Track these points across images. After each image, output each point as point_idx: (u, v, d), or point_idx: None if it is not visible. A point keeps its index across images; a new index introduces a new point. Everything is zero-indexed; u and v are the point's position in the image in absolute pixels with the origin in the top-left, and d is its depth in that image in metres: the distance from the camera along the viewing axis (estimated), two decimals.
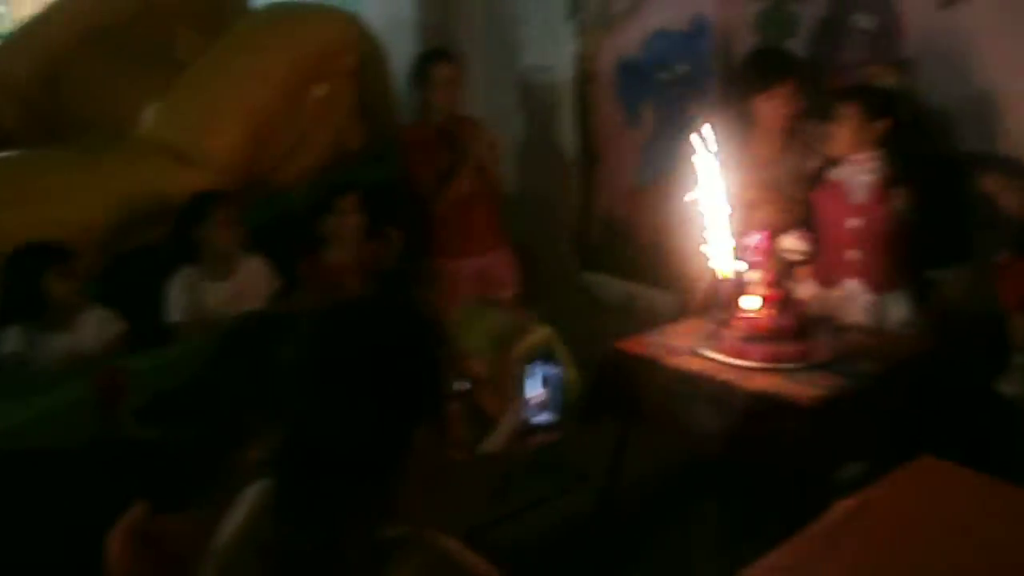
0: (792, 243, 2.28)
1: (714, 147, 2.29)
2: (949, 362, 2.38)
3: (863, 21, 2.84)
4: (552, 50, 4.00)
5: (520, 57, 4.20)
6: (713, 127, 2.32)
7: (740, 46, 3.19)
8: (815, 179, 2.64)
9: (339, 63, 3.63)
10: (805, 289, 2.60)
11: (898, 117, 2.52)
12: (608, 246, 3.92)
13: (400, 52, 3.80)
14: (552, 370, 1.49)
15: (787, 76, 2.71)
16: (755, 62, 2.83)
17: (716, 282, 2.39)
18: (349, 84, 3.70)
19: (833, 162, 2.58)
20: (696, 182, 2.37)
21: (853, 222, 2.50)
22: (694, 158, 2.35)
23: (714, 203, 2.31)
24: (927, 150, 2.54)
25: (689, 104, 3.37)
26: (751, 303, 2.27)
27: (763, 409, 2.06)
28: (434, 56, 3.36)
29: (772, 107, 2.72)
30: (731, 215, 2.31)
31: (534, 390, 1.48)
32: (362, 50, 3.72)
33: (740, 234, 2.35)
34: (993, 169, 2.14)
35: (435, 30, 4.12)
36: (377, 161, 3.63)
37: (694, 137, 2.34)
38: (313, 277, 2.94)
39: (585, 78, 3.86)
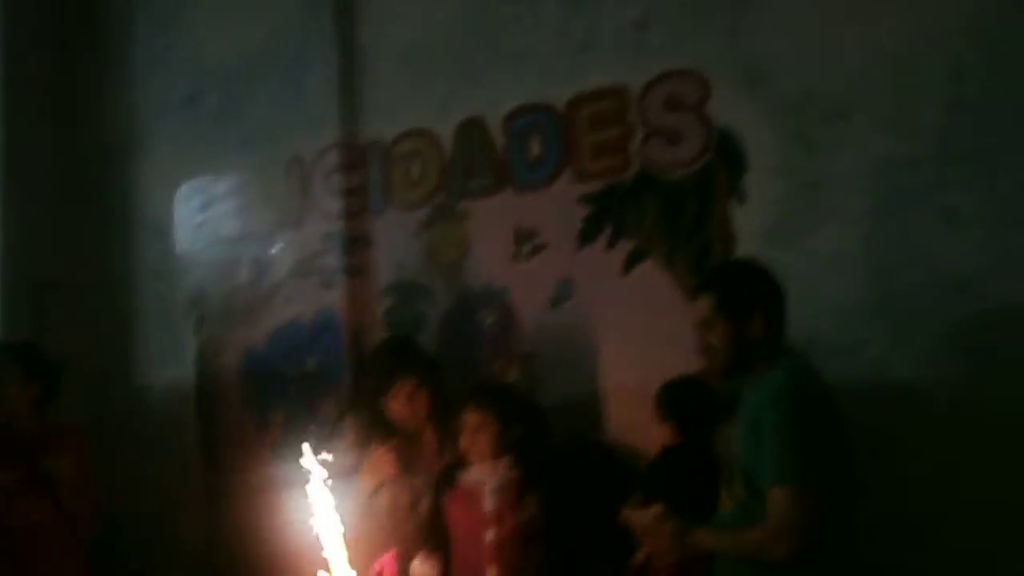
0: (421, 569, 1.95)
1: (325, 467, 1.97)
2: None
3: (486, 318, 2.87)
4: (171, 346, 3.58)
5: (134, 356, 3.70)
6: (321, 444, 2.00)
7: (370, 342, 3.07)
8: (444, 482, 2.41)
9: None
10: None
11: (529, 418, 2.46)
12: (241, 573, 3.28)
13: None
14: None
15: (408, 372, 2.52)
16: (377, 358, 2.65)
17: None
18: None
19: (461, 463, 2.39)
20: (312, 504, 1.99)
21: (489, 535, 2.27)
22: (308, 481, 1.99)
23: (329, 528, 1.93)
24: (551, 447, 2.47)
25: (321, 402, 3.11)
26: None
27: None
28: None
29: (399, 405, 2.51)
30: (350, 541, 1.94)
31: None
32: None
33: (364, 563, 1.98)
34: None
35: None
36: None
37: (306, 458, 2.00)
38: None
39: (208, 377, 3.45)
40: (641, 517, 1.97)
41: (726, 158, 2.46)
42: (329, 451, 2.06)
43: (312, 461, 1.95)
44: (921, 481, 2.18)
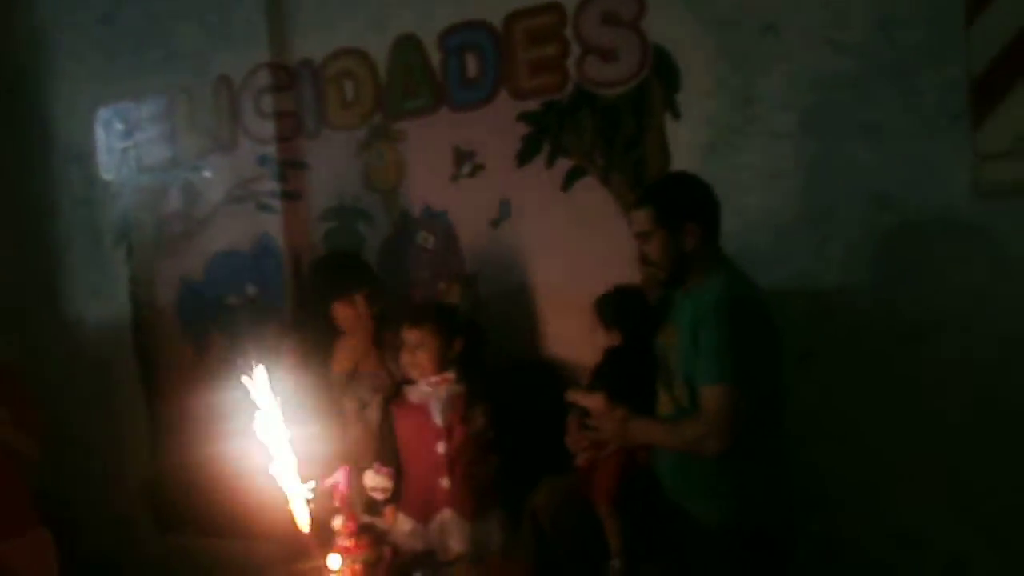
0: (374, 479, 2.01)
1: (269, 385, 1.98)
2: None
3: (426, 240, 2.88)
4: (102, 277, 3.49)
5: (62, 289, 3.60)
6: (268, 364, 2.01)
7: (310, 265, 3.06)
8: (391, 397, 2.46)
9: None
10: (400, 527, 2.33)
11: (469, 334, 2.50)
12: (188, 500, 3.30)
13: None
14: None
15: (363, 280, 2.57)
16: (329, 267, 2.66)
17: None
18: None
19: (406, 380, 2.43)
20: (258, 421, 2.02)
21: (440, 447, 2.33)
22: (253, 399, 2.01)
23: (278, 443, 1.97)
24: (494, 363, 2.53)
25: (262, 328, 3.09)
26: (334, 561, 1.91)
27: None
28: None
29: (352, 312, 2.55)
30: (299, 454, 1.98)
31: None
32: None
33: (316, 476, 2.02)
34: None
35: None
36: None
37: (249, 378, 2.01)
38: None
39: (143, 308, 3.39)
40: (588, 401, 2.04)
41: (662, 74, 2.48)
42: (274, 371, 2.09)
43: (260, 380, 1.97)
44: (842, 380, 2.32)
